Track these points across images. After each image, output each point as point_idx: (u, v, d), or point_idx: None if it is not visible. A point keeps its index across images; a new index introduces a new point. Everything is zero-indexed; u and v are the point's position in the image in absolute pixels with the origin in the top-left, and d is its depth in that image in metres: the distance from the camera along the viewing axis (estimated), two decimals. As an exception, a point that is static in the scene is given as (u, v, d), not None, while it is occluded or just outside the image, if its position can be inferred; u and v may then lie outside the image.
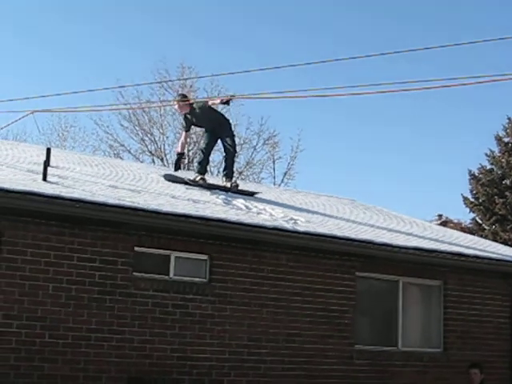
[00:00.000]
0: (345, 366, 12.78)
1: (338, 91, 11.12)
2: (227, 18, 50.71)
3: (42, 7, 49.77)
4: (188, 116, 14.68)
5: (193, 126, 15.38)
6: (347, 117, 51.90)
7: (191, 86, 35.11)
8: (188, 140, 15.45)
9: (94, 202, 10.58)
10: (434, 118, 54.32)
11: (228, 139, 14.71)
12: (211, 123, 14.66)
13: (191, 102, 15.03)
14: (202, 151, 14.93)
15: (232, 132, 15.10)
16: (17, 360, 10.02)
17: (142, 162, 32.64)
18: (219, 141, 14.83)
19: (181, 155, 15.51)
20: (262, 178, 34.84)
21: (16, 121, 14.50)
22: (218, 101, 15.23)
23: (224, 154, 15.06)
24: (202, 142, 15.20)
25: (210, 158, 15.95)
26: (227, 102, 15.02)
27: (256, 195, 14.92)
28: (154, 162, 34.32)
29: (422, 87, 10.24)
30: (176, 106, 15.45)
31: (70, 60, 50.25)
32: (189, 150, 33.42)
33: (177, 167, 15.11)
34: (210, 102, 15.11)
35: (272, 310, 12.15)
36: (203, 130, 15.23)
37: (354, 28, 51.46)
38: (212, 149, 15.11)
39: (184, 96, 15.78)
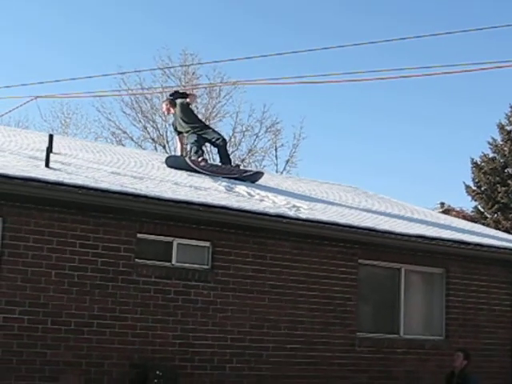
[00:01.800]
0: (347, 353, 12.80)
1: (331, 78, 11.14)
2: (226, 9, 50.45)
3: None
4: (174, 121, 15.03)
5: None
6: (349, 107, 51.91)
7: (193, 73, 34.99)
8: (184, 141, 15.52)
9: (97, 189, 10.58)
10: (436, 108, 54.23)
11: (212, 133, 14.98)
12: (191, 123, 14.77)
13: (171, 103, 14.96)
14: (194, 144, 14.82)
15: (209, 126, 15.47)
16: (19, 346, 10.04)
17: (144, 149, 32.54)
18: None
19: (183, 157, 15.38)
20: (264, 166, 34.72)
21: (18, 107, 14.54)
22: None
23: (216, 149, 15.13)
24: (191, 140, 15.03)
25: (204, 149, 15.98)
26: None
27: (259, 179, 14.91)
28: (156, 149, 34.23)
29: (422, 74, 10.25)
30: (164, 108, 15.38)
31: (72, 49, 50.13)
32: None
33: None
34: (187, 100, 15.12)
35: (274, 297, 12.16)
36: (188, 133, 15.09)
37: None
38: (203, 141, 15.07)
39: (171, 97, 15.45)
